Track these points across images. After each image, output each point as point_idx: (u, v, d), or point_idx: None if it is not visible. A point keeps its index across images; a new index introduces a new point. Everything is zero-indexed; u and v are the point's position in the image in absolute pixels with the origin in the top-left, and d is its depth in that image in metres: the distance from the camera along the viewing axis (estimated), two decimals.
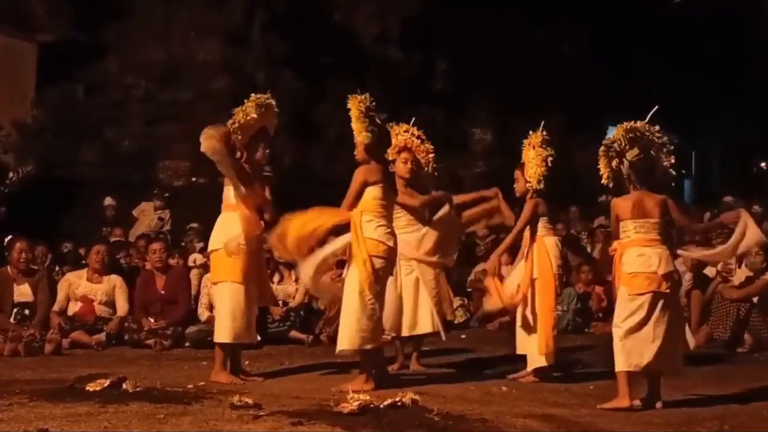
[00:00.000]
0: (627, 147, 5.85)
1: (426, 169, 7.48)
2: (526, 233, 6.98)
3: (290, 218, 6.24)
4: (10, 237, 8.79)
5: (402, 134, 7.39)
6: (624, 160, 5.85)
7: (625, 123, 5.96)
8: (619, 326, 5.75)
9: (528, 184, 6.91)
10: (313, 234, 6.22)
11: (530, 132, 6.98)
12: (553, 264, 6.86)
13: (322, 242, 6.33)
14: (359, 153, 6.41)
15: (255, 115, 6.55)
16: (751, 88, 19.33)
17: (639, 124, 5.95)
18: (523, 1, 17.44)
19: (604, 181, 5.91)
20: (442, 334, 7.38)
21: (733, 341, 8.92)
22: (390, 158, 7.11)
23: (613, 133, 5.99)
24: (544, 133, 6.92)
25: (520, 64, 17.79)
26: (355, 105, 6.34)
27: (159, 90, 15.33)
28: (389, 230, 6.35)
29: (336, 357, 6.62)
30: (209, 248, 6.80)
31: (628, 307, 5.75)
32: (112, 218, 13.22)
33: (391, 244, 6.31)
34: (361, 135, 6.34)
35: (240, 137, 6.55)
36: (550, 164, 6.83)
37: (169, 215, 13.40)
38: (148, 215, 13.35)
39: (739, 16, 17.67)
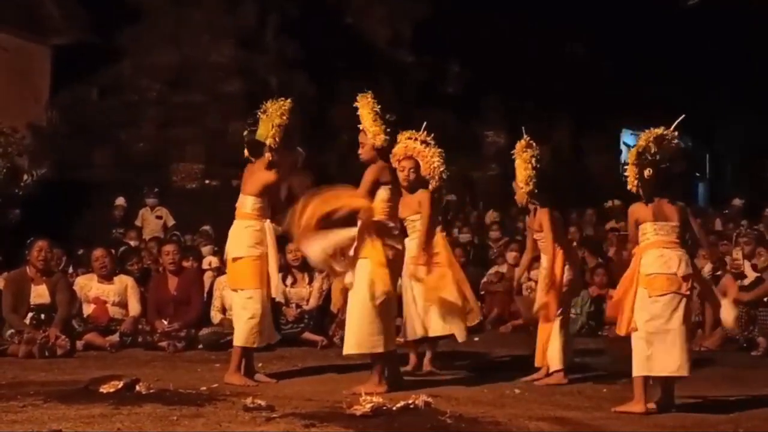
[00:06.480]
0: (658, 155, 5.83)
1: (430, 175, 7.39)
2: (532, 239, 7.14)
3: (312, 197, 6.14)
4: (32, 239, 8.75)
5: (404, 141, 7.32)
6: (651, 168, 5.82)
7: (652, 129, 5.92)
8: (639, 329, 5.73)
9: (521, 190, 7.01)
10: (329, 214, 6.10)
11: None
12: (565, 272, 6.89)
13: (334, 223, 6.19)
14: (366, 153, 6.35)
15: (289, 117, 6.66)
16: (765, 91, 19.22)
17: (667, 132, 5.91)
18: (533, 4, 17.41)
19: (630, 188, 5.87)
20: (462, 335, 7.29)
21: (747, 344, 8.91)
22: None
23: (640, 140, 5.93)
24: (527, 138, 7.02)
25: (531, 67, 17.75)
26: (369, 106, 6.31)
27: (172, 93, 15.34)
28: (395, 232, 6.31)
29: (349, 359, 6.62)
30: (231, 255, 6.71)
31: (648, 309, 5.72)
32: (120, 219, 13.24)
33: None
34: (378, 138, 6.26)
35: (280, 139, 6.61)
36: (536, 163, 6.92)
37: (167, 211, 13.39)
38: (148, 219, 13.37)
39: (753, 18, 17.58)
